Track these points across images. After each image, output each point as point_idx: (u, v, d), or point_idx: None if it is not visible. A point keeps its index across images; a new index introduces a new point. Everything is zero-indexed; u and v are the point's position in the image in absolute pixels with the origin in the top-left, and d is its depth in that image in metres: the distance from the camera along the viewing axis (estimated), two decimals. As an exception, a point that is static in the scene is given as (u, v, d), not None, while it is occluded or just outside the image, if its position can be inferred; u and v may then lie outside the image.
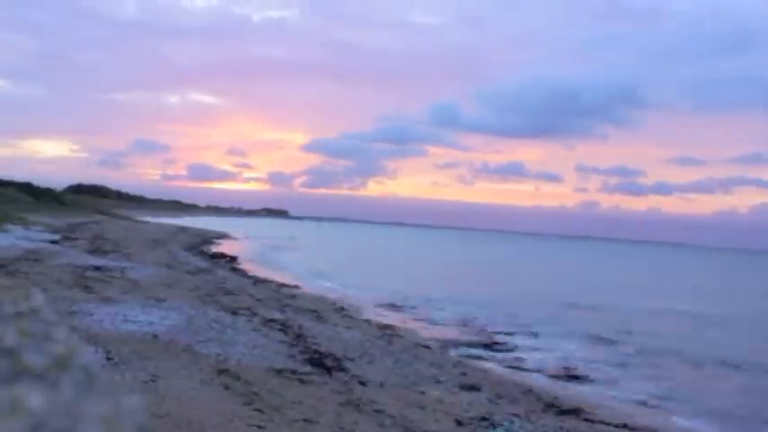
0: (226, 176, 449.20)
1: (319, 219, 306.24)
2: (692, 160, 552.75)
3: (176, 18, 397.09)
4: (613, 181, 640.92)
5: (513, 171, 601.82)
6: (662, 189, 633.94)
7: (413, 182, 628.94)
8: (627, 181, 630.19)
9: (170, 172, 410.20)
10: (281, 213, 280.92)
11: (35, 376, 0.66)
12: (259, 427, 6.29)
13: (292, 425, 6.61)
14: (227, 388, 7.47)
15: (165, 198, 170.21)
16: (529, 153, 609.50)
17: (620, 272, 61.04)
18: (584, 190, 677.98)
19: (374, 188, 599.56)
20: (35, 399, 0.62)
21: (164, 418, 5.89)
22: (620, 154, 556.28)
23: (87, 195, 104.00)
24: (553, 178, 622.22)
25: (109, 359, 7.74)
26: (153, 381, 7.13)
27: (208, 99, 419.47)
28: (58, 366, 0.68)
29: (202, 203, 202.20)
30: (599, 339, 18.20)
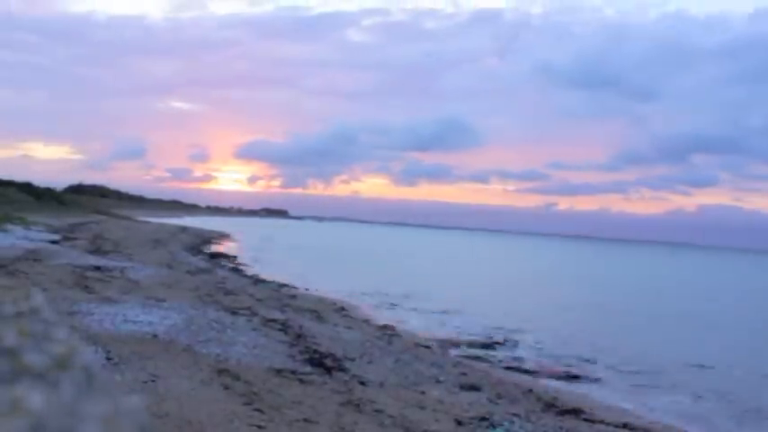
0: (207, 178, 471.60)
1: (320, 218, 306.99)
2: (561, 165, 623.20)
3: (142, 37, 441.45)
4: (534, 184, 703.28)
5: (443, 173, 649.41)
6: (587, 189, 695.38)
7: (376, 183, 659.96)
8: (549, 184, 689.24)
9: (155, 174, 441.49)
10: (280, 213, 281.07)
11: (35, 376, 0.66)
12: (259, 427, 6.29)
13: (292, 425, 6.61)
14: (227, 388, 7.47)
15: (156, 198, 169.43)
16: (445, 160, 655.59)
17: (608, 270, 61.13)
18: (525, 190, 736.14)
19: (342, 188, 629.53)
20: (35, 399, 0.62)
21: (164, 418, 5.89)
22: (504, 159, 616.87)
23: (87, 195, 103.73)
24: (481, 179, 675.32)
25: (109, 359, 7.75)
26: (153, 381, 7.13)
27: (186, 106, 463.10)
28: (57, 366, 0.68)
29: (198, 203, 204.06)
30: (598, 339, 18.21)
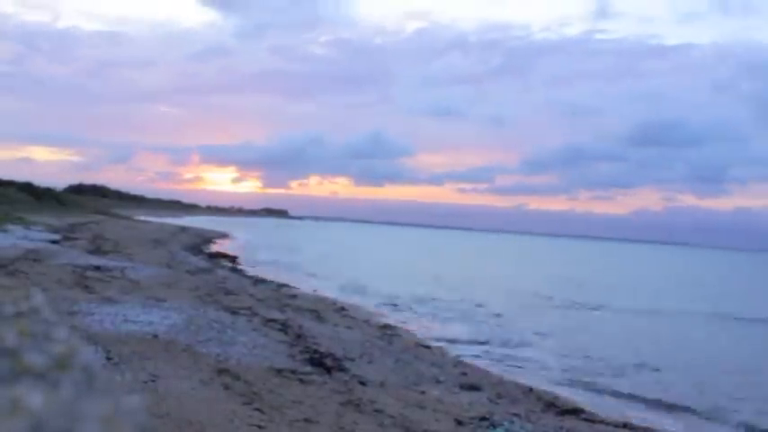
0: (196, 179, 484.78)
1: (317, 218, 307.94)
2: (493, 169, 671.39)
3: (121, 48, 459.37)
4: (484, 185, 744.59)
5: (400, 175, 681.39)
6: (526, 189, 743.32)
7: (349, 182, 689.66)
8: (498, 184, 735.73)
9: (147, 175, 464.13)
10: (280, 213, 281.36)
11: (35, 376, 0.66)
12: (259, 426, 6.29)
13: (292, 425, 6.61)
14: (227, 388, 7.47)
15: (156, 198, 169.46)
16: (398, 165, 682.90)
17: (603, 270, 61.11)
18: (477, 190, 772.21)
19: (319, 188, 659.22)
20: (35, 399, 0.62)
21: (164, 418, 5.89)
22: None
23: (87, 195, 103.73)
24: (437, 181, 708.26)
25: (109, 359, 7.75)
26: (153, 381, 7.13)
27: (173, 111, 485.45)
28: (57, 366, 0.68)
29: (196, 203, 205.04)
30: (598, 339, 18.21)
